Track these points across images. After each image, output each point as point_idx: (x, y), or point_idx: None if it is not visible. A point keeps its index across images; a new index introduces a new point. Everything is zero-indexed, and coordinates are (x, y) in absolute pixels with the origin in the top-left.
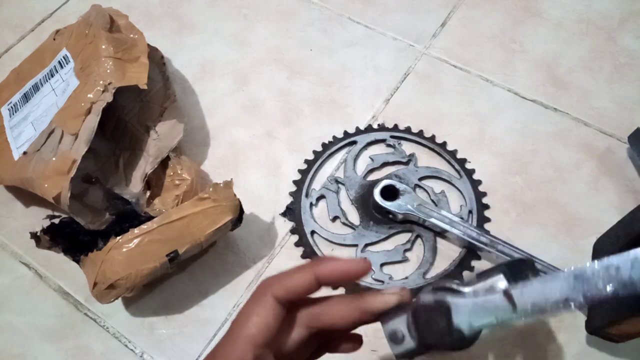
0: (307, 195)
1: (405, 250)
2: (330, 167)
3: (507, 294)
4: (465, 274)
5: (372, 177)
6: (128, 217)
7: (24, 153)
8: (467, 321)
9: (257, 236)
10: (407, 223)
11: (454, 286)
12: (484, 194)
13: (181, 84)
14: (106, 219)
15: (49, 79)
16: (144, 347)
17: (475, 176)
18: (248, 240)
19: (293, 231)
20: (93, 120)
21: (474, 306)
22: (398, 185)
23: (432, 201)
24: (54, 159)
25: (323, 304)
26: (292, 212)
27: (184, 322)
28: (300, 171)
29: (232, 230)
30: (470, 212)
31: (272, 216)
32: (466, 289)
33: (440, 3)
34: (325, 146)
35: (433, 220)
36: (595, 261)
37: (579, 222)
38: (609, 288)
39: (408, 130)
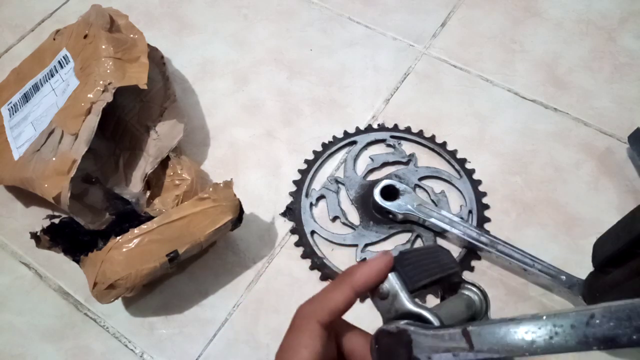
0: (307, 195)
1: None
2: (330, 167)
3: (465, 332)
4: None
5: (372, 177)
6: (128, 217)
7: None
8: (426, 355)
9: (257, 236)
10: (407, 223)
11: (421, 312)
12: (484, 194)
13: (181, 84)
14: (106, 219)
15: (49, 79)
16: (144, 347)
17: (475, 176)
18: (248, 240)
19: (293, 231)
20: (93, 120)
21: (433, 340)
22: (398, 185)
23: (432, 201)
24: (54, 159)
25: (322, 301)
26: (292, 212)
27: (184, 322)
28: (300, 171)
29: (232, 230)
30: (470, 212)
31: (272, 216)
32: (431, 318)
33: (440, 3)
34: (325, 146)
35: (433, 220)
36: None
37: (579, 222)
38: (576, 342)
39: (408, 130)
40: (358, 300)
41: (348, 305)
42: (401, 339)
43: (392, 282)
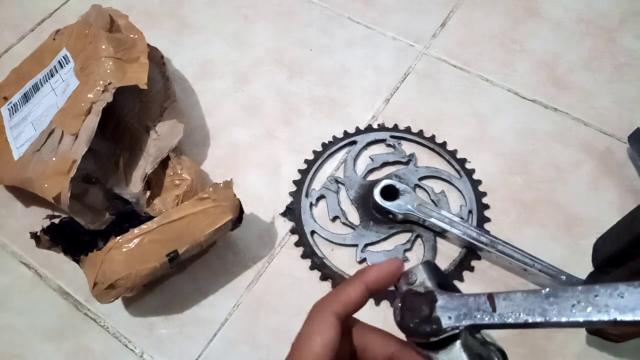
0: (307, 195)
1: (405, 250)
2: (330, 167)
3: (490, 297)
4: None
5: (372, 177)
6: (128, 217)
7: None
8: (447, 315)
9: (257, 236)
10: (407, 223)
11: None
12: (484, 194)
13: (181, 84)
14: (106, 219)
15: (49, 79)
16: (144, 347)
17: (475, 176)
18: (248, 240)
19: (293, 231)
20: (93, 120)
21: (457, 302)
22: (398, 185)
23: (432, 201)
24: (54, 159)
25: (336, 295)
26: (292, 212)
27: (184, 322)
28: (300, 171)
29: (232, 230)
30: (470, 212)
31: (272, 216)
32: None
33: (440, 3)
34: (325, 146)
35: (433, 220)
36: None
37: (579, 222)
38: (582, 314)
39: (408, 130)
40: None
41: (361, 300)
42: (427, 298)
43: (422, 270)
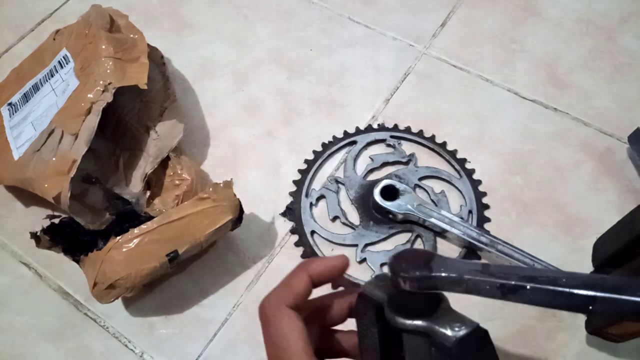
0: (307, 195)
1: None
2: (330, 167)
3: (484, 264)
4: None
5: (372, 177)
6: (128, 217)
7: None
8: (443, 271)
9: (257, 236)
10: (407, 223)
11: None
12: (484, 194)
13: (181, 84)
14: (106, 219)
15: (49, 79)
16: (144, 347)
17: (475, 176)
18: (248, 240)
19: (293, 231)
20: (93, 120)
21: (453, 262)
22: (398, 185)
23: (432, 201)
24: (54, 159)
25: (284, 289)
26: (292, 212)
27: (184, 322)
28: (300, 171)
29: (232, 230)
30: (470, 212)
31: (272, 216)
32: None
33: (440, 3)
34: (325, 146)
35: (433, 220)
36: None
37: (579, 222)
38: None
39: (408, 130)
40: None
41: (307, 290)
42: (425, 254)
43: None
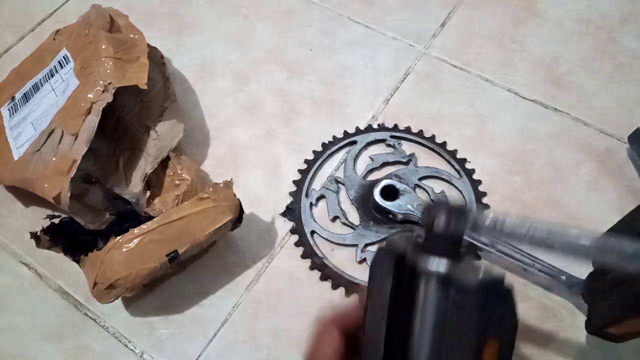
0: (307, 195)
1: None
2: (330, 167)
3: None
4: None
5: (372, 177)
6: (128, 217)
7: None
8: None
9: (257, 236)
10: (407, 223)
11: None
12: (484, 194)
13: (181, 84)
14: (106, 219)
15: (49, 79)
16: (144, 347)
17: (475, 176)
18: (248, 240)
19: (293, 231)
20: (93, 120)
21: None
22: (398, 185)
23: (432, 201)
24: (54, 159)
25: (340, 311)
26: (292, 212)
27: (184, 322)
28: (300, 171)
29: (232, 230)
30: None
31: (272, 216)
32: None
33: (440, 3)
34: (325, 146)
35: None
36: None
37: (579, 222)
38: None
39: (408, 130)
40: None
41: (359, 317)
42: (462, 209)
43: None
